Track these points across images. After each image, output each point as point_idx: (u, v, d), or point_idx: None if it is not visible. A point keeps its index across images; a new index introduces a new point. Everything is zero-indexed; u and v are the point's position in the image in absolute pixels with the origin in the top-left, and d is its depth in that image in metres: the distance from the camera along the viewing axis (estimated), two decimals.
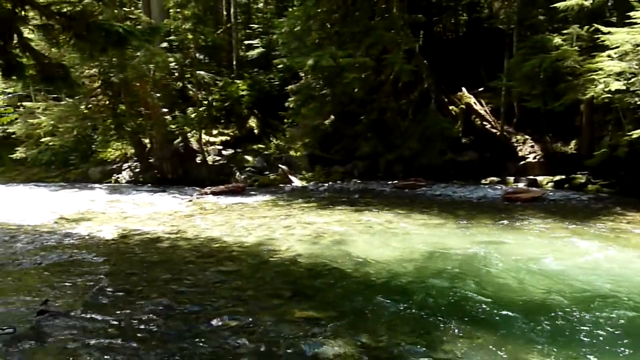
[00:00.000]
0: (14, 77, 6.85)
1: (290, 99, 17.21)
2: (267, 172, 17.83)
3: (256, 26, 21.52)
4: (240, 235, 8.85)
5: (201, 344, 4.29)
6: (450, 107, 17.58)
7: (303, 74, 18.21)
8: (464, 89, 18.55)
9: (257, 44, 20.67)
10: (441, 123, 16.13)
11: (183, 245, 8.17)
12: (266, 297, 5.53)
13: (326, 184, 16.41)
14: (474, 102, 18.12)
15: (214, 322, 4.78)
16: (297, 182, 16.94)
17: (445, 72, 18.41)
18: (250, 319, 4.83)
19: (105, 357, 4.06)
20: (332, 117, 17.78)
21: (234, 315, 4.94)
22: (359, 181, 16.42)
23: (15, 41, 5.60)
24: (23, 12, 5.25)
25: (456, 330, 4.53)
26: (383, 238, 8.45)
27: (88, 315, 5.00)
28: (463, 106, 17.85)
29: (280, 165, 17.66)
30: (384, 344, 4.28)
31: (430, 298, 5.40)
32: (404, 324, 4.75)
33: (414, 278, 6.14)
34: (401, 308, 5.13)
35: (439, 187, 14.76)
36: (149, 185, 17.78)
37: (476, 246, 7.62)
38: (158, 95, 17.81)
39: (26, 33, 5.92)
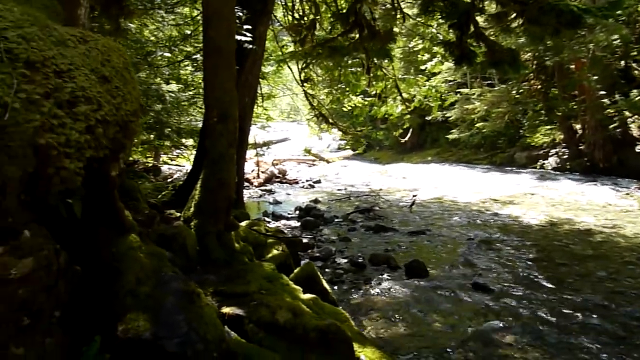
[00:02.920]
0: (464, 65, 7.45)
1: None
2: None
3: None
4: None
5: None
6: None
7: None
8: None
9: None
10: None
11: (620, 242, 7.36)
12: None
13: None
14: None
15: None
16: None
17: None
18: None
19: (531, 334, 4.14)
20: None
21: None
22: None
23: (470, 31, 6.07)
24: (481, 4, 5.64)
25: None
26: None
27: (514, 294, 5.11)
28: None
29: None
30: None
31: None
32: None
33: None
34: None
35: None
36: (576, 173, 16.85)
37: None
38: (595, 77, 16.47)
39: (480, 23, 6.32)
